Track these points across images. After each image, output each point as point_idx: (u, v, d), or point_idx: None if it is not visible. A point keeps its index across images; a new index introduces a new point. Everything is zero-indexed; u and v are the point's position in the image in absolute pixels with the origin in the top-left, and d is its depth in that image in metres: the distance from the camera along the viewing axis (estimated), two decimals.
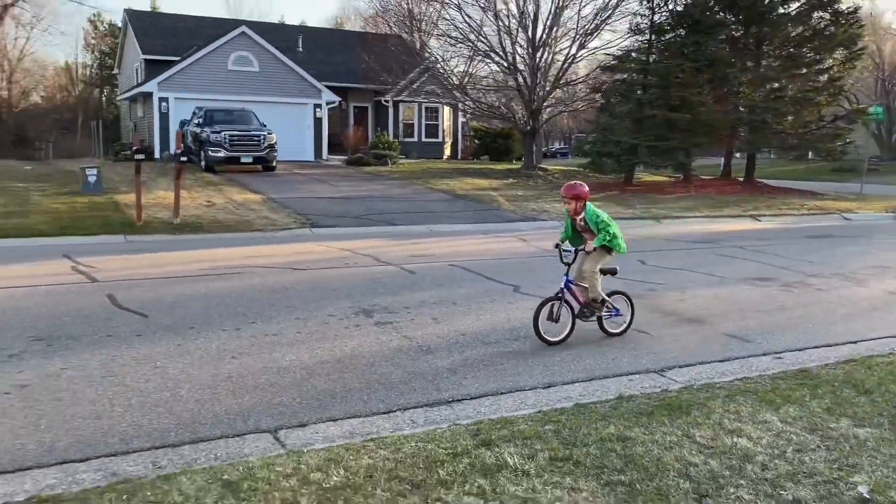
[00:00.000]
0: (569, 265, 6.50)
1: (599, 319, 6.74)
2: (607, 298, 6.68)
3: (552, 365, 6.00)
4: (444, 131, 36.79)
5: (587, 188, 6.50)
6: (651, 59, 26.39)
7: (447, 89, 30.62)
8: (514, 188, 23.63)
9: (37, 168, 25.85)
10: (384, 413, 4.88)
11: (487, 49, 27.94)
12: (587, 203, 6.47)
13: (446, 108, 35.91)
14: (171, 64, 28.88)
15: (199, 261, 10.86)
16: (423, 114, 35.76)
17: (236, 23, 31.29)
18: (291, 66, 29.04)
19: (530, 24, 27.27)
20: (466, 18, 27.43)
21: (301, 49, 34.04)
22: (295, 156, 27.81)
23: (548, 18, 27.26)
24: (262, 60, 28.53)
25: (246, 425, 4.61)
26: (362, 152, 29.68)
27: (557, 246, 6.56)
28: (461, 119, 38.19)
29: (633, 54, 26.79)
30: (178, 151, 14.49)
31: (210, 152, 22.26)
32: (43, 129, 48.52)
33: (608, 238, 6.41)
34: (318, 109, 29.69)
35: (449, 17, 28.47)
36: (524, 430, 4.36)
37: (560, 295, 6.45)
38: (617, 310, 6.77)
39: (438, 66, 31.31)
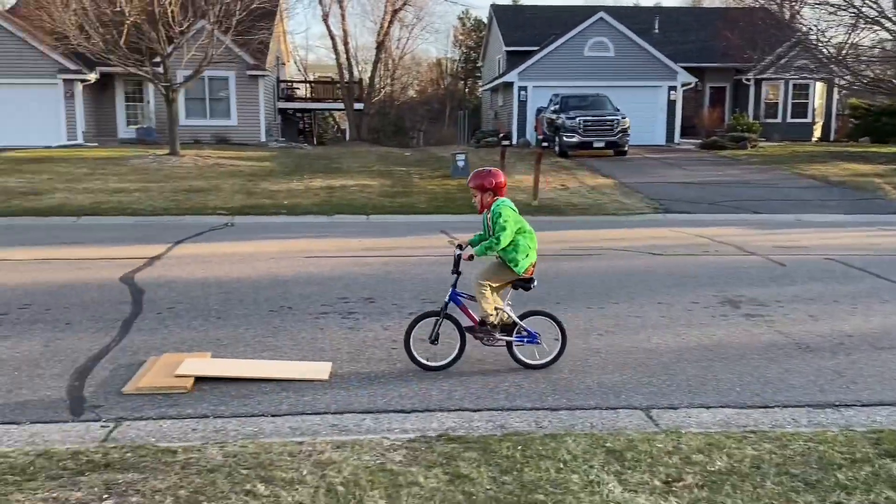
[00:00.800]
0: (457, 274, 5.29)
1: (509, 345, 5.29)
2: (519, 321, 5.26)
3: None
4: (814, 110, 33.16)
5: (501, 178, 5.20)
6: None
7: (822, 63, 27.48)
8: None
9: (413, 154, 29.32)
10: (760, 407, 4.66)
11: (877, 14, 24.41)
12: (501, 198, 5.20)
13: (818, 85, 32.27)
14: (529, 54, 30.45)
15: (558, 241, 11.38)
16: (790, 92, 32.61)
17: (592, 10, 31.73)
18: (647, 48, 28.65)
19: None
20: None
21: (657, 31, 33.37)
22: (645, 140, 27.46)
23: None
24: (618, 45, 28.60)
25: (618, 400, 4.76)
26: (717, 135, 28.15)
27: (459, 246, 5.32)
28: (835, 96, 34.03)
29: None
30: (540, 137, 15.26)
31: (564, 137, 23.03)
32: (416, 119, 54.76)
33: (494, 246, 5.06)
34: (672, 92, 28.88)
35: None
36: None
37: (441, 310, 5.27)
38: (533, 335, 5.26)
39: (811, 37, 28.22)
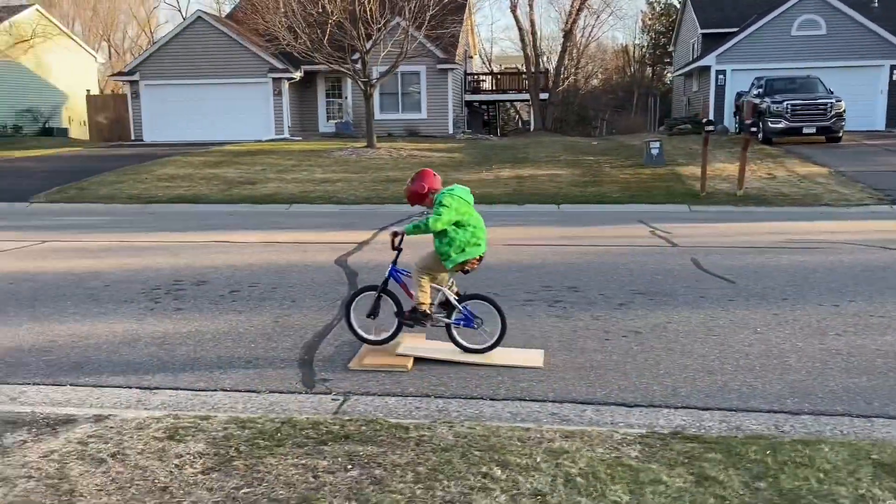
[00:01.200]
0: (397, 251, 5.15)
1: (448, 327, 5.16)
2: (458, 304, 5.12)
3: None
4: None
5: (430, 177, 5.02)
6: None
7: None
8: None
9: (600, 143, 28.68)
10: None
11: None
12: (449, 188, 4.99)
13: None
14: (727, 36, 28.61)
15: (771, 232, 10.56)
16: None
17: None
18: (865, 24, 25.91)
19: None
20: None
21: (876, 4, 30.06)
22: (861, 125, 24.89)
23: None
24: (831, 21, 26.11)
25: (870, 407, 4.25)
26: None
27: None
28: None
29: None
30: (748, 122, 14.28)
31: (769, 123, 21.33)
32: (599, 108, 53.46)
33: (421, 226, 4.90)
34: (895, 71, 25.92)
35: None
36: None
37: (381, 285, 5.25)
38: (469, 318, 5.11)
39: None
